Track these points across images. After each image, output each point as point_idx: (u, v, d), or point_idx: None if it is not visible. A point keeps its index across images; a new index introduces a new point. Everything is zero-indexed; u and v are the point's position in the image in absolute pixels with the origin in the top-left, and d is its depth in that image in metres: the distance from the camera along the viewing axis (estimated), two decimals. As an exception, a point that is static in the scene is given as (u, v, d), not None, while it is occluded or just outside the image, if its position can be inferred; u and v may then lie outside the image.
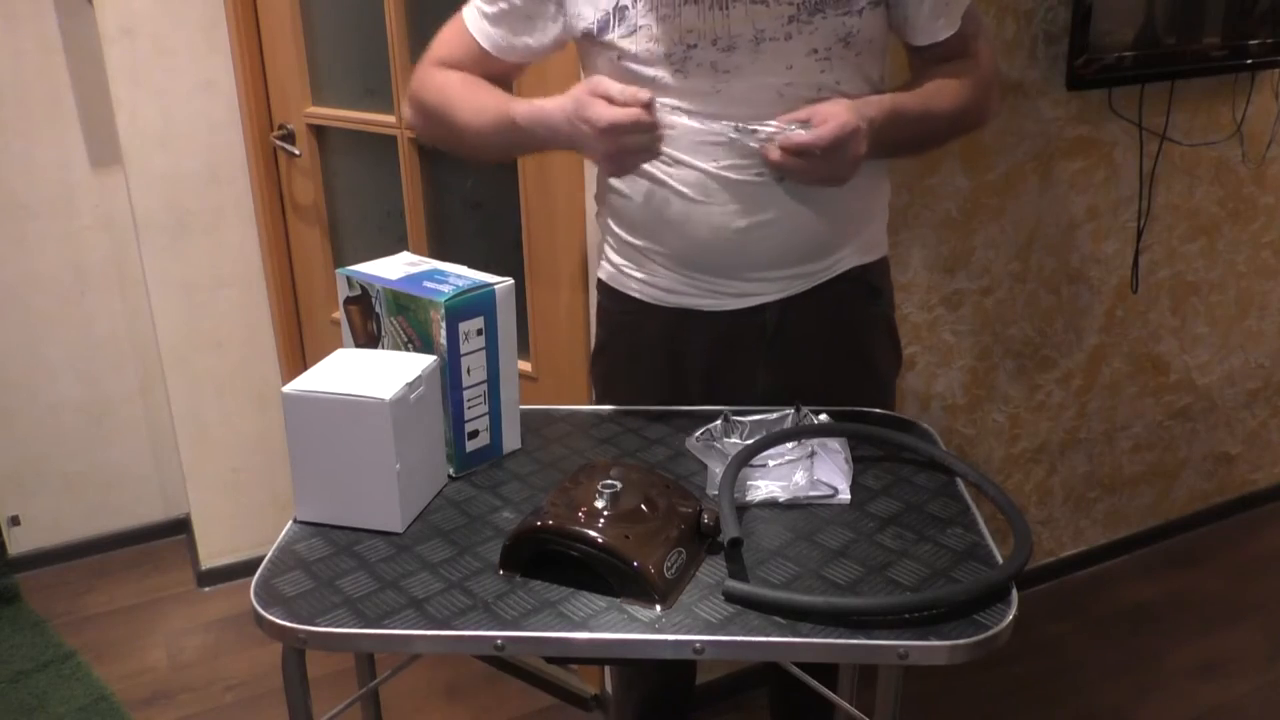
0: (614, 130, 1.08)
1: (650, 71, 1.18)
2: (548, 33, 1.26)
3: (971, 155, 1.99)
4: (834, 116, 1.10)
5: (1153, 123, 2.16)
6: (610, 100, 1.08)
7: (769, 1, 1.13)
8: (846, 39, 1.17)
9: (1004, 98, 1.98)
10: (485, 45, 1.28)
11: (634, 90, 1.08)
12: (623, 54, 1.18)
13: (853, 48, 1.18)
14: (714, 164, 1.20)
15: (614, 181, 1.31)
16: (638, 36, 1.16)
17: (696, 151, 1.20)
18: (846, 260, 1.31)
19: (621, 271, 1.35)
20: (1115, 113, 2.11)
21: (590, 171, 1.70)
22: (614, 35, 1.18)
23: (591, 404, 1.42)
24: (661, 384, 1.35)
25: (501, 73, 1.31)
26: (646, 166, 1.24)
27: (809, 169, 1.14)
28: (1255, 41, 2.12)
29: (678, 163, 1.22)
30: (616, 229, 1.33)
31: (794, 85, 1.17)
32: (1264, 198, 2.41)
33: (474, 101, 1.25)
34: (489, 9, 1.27)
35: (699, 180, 1.22)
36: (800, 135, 1.10)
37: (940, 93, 1.23)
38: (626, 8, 1.16)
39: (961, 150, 1.98)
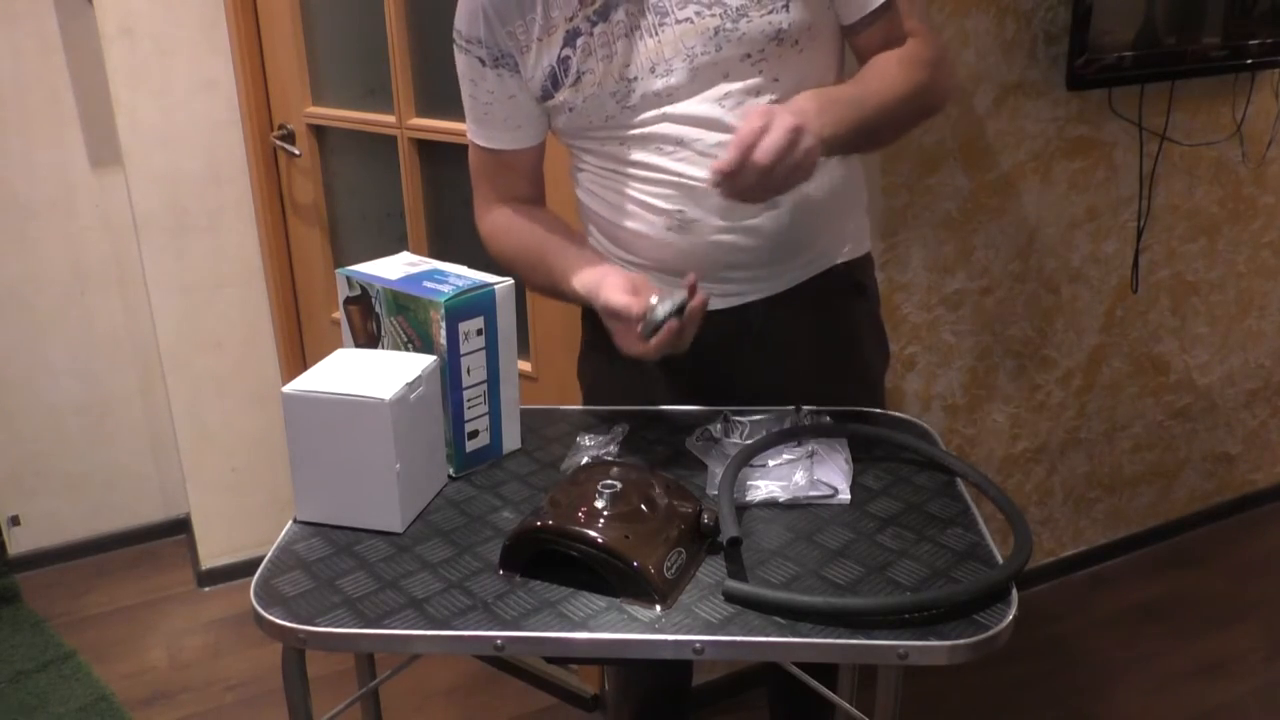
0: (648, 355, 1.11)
1: (599, 112, 1.19)
2: (532, 108, 1.26)
3: (971, 155, 1.99)
4: (756, 117, 1.02)
5: (1153, 123, 2.16)
6: (625, 315, 1.10)
7: (693, 18, 1.13)
8: (778, 36, 1.15)
9: (1004, 98, 1.98)
10: (496, 147, 1.28)
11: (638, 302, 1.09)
12: (573, 106, 1.20)
13: (787, 43, 1.15)
14: (679, 175, 1.20)
15: (584, 199, 1.32)
16: (582, 84, 1.18)
17: (659, 171, 1.21)
18: (828, 257, 1.31)
19: None
20: (1115, 113, 2.11)
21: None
22: (563, 91, 1.19)
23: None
24: (647, 384, 1.35)
25: (529, 163, 1.32)
26: (615, 185, 1.25)
27: (760, 180, 1.02)
28: (1255, 41, 2.12)
29: (643, 185, 1.23)
30: (597, 235, 1.34)
31: (732, 94, 1.17)
32: (1264, 198, 2.41)
33: (535, 272, 1.27)
34: (478, 114, 1.27)
35: (666, 193, 1.22)
36: (726, 159, 1.01)
37: (887, 73, 1.17)
38: (569, 58, 1.18)
39: (961, 150, 1.98)
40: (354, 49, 2.14)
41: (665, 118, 1.18)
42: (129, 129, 2.17)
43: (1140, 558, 2.57)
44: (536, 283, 1.29)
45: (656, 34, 1.14)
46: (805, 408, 1.20)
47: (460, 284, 1.11)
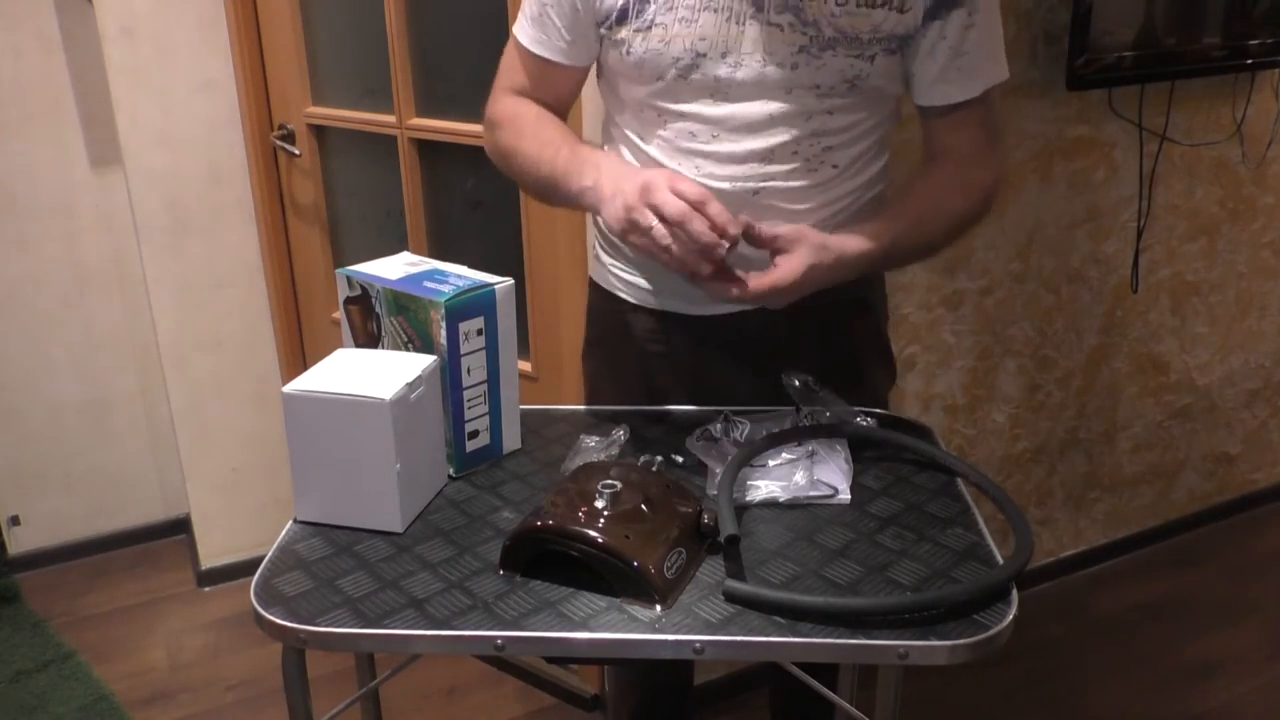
0: (677, 222, 1.04)
1: (654, 71, 1.17)
2: (590, 29, 1.21)
3: (971, 155, 1.99)
4: (786, 264, 1.10)
5: (1153, 123, 2.16)
6: (682, 195, 1.05)
7: (784, 27, 1.12)
8: (854, 81, 1.15)
9: (1004, 98, 1.97)
10: (541, 53, 1.23)
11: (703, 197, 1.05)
12: (631, 50, 1.17)
13: (856, 90, 1.16)
14: (694, 170, 1.20)
15: None
16: (650, 35, 1.15)
17: (680, 157, 1.21)
18: None
19: (610, 270, 1.36)
20: (1115, 113, 2.11)
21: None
22: (627, 29, 1.16)
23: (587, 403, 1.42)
24: (646, 385, 1.35)
25: (565, 85, 1.28)
26: (634, 157, 1.25)
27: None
28: (1255, 41, 2.12)
29: (661, 167, 1.22)
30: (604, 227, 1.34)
31: (787, 112, 1.16)
32: (1264, 198, 2.41)
33: (539, 162, 1.21)
34: (535, 11, 1.22)
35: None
36: (753, 290, 1.11)
37: (935, 214, 1.20)
38: (647, 2, 1.14)
39: (961, 150, 1.98)
40: (354, 49, 2.14)
41: (711, 107, 1.16)
42: (129, 129, 2.17)
43: (1140, 558, 2.57)
44: (538, 174, 1.22)
45: (743, 23, 1.12)
46: (805, 408, 1.20)
47: (460, 284, 1.11)
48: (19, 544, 2.58)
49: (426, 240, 2.06)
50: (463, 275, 1.15)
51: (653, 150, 1.23)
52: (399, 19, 1.91)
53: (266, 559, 1.00)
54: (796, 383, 1.19)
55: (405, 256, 1.22)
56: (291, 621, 0.90)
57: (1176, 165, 2.24)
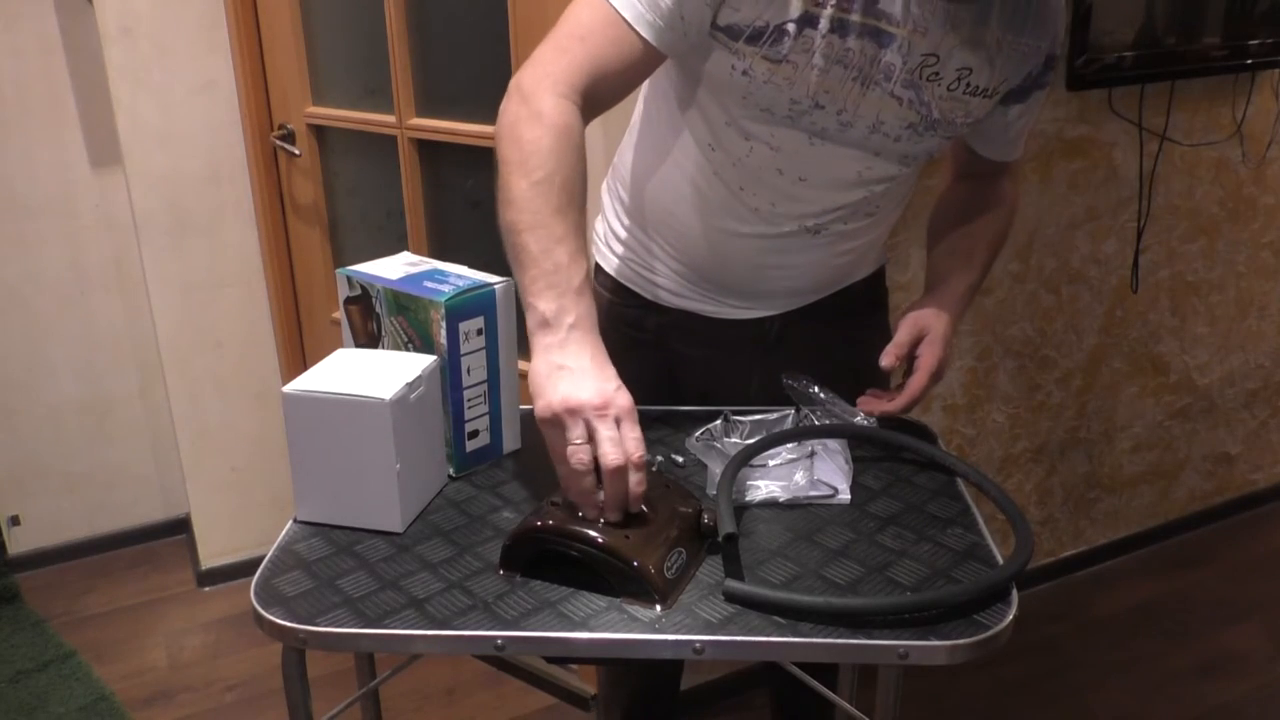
0: (610, 470, 0.91)
1: (764, 102, 1.13)
2: (703, 23, 1.09)
3: (971, 155, 2.00)
4: (929, 350, 1.19)
5: (1153, 123, 2.16)
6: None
7: (903, 101, 1.13)
8: (931, 156, 1.22)
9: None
10: (632, 21, 1.06)
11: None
12: (751, 72, 1.11)
13: (930, 160, 1.23)
14: (766, 201, 1.21)
15: (636, 167, 1.30)
16: (779, 68, 1.10)
17: (756, 185, 1.20)
18: (852, 279, 1.35)
19: (628, 265, 1.35)
20: (1115, 113, 2.11)
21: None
22: (755, 51, 1.09)
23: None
24: (655, 383, 1.35)
25: (634, 73, 1.11)
26: (700, 171, 1.22)
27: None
28: (1255, 41, 2.12)
29: (722, 188, 1.21)
30: (627, 221, 1.33)
31: (872, 170, 1.20)
32: (1264, 198, 2.41)
33: (546, 226, 1.00)
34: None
35: (736, 210, 1.22)
36: (897, 406, 1.19)
37: (991, 250, 1.34)
38: (786, 35, 1.08)
39: (961, 150, 1.98)
40: (354, 49, 2.13)
41: (806, 145, 1.16)
42: (129, 129, 2.17)
43: (1140, 558, 2.57)
44: (525, 215, 0.99)
45: (867, 87, 1.12)
46: (805, 409, 1.20)
47: (460, 284, 1.11)
48: (19, 544, 2.58)
49: (426, 240, 2.06)
50: (463, 275, 1.15)
51: (727, 173, 1.20)
52: (399, 19, 1.91)
53: (266, 559, 1.00)
54: (795, 384, 1.19)
55: (405, 256, 1.22)
56: (291, 621, 0.90)
57: (1176, 165, 2.24)
